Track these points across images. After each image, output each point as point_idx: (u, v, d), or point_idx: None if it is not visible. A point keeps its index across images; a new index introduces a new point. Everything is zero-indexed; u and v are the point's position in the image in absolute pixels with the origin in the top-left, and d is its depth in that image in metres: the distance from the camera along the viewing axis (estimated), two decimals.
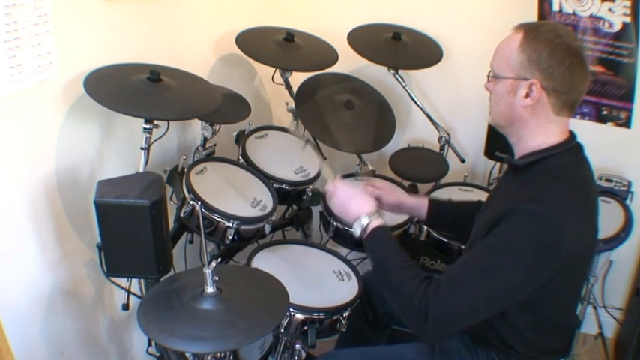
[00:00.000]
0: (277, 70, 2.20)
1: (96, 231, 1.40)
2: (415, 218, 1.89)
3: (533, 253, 1.18)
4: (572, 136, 1.32)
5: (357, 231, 1.40)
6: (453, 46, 2.33)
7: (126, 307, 1.66)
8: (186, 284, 1.29)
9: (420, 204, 1.69)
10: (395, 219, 1.91)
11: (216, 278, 1.23)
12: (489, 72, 1.35)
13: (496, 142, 2.18)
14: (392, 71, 2.20)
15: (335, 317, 1.58)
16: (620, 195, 2.08)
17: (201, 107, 1.63)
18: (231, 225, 1.65)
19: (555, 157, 1.27)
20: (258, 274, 1.42)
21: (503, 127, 1.37)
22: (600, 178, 2.13)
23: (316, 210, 2.08)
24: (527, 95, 1.26)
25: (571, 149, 1.30)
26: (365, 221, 1.38)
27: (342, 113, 2.11)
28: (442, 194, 2.08)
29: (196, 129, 2.12)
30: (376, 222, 1.38)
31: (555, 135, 1.29)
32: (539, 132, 1.29)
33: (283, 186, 1.93)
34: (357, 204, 1.42)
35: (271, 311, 1.25)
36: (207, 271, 1.21)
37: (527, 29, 1.27)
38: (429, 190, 2.12)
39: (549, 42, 1.23)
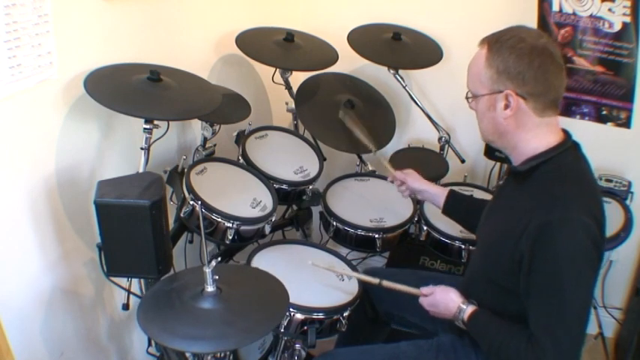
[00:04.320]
0: (277, 70, 2.20)
1: (96, 231, 1.40)
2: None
3: (586, 257, 1.20)
4: (567, 135, 1.33)
5: (461, 326, 1.42)
6: (453, 46, 2.33)
7: (126, 307, 1.66)
8: (186, 283, 1.28)
9: (439, 194, 1.76)
10: (395, 219, 1.92)
11: (216, 277, 1.22)
12: (467, 93, 1.35)
13: None
14: (392, 71, 2.20)
15: (335, 317, 1.58)
16: (620, 195, 2.09)
17: (201, 107, 1.63)
18: (231, 225, 1.65)
19: (556, 158, 1.28)
20: (258, 274, 1.42)
21: (494, 141, 1.38)
22: (600, 178, 2.13)
23: (316, 210, 2.08)
24: (506, 107, 1.26)
25: (569, 148, 1.30)
26: (460, 320, 1.40)
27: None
28: None
29: (196, 129, 2.12)
30: (467, 311, 1.39)
31: (548, 136, 1.29)
32: (530, 137, 1.29)
33: (283, 186, 1.93)
34: (443, 308, 1.44)
35: (271, 311, 1.25)
36: (207, 270, 1.21)
37: (489, 42, 1.27)
38: None
39: (513, 48, 1.23)
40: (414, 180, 1.80)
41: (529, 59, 1.22)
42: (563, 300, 1.21)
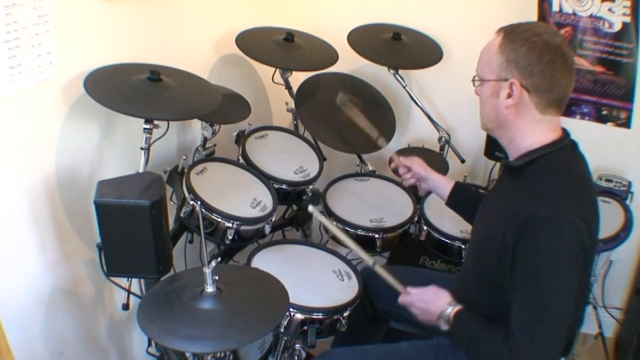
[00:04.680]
0: (277, 70, 2.20)
1: (96, 231, 1.40)
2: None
3: (570, 257, 1.19)
4: (565, 133, 1.33)
5: (444, 327, 1.42)
6: (453, 46, 2.33)
7: (126, 307, 1.66)
8: (186, 284, 1.28)
9: (444, 184, 1.74)
10: (395, 219, 1.92)
11: (216, 278, 1.23)
12: (474, 76, 1.36)
13: (496, 142, 2.13)
14: (392, 71, 2.20)
15: (335, 317, 1.58)
16: (620, 195, 2.08)
17: (201, 107, 1.63)
18: (231, 225, 1.65)
19: (551, 154, 1.28)
20: (258, 274, 1.42)
21: (492, 130, 1.38)
22: (600, 178, 2.13)
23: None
24: (509, 96, 1.27)
25: (566, 146, 1.30)
26: (445, 318, 1.40)
27: (342, 113, 2.11)
28: None
29: (196, 129, 2.12)
30: (453, 310, 1.39)
31: (546, 133, 1.29)
32: (528, 132, 1.30)
33: (283, 186, 1.93)
34: (433, 305, 1.43)
35: (271, 311, 1.25)
36: (207, 270, 1.21)
37: (506, 31, 1.28)
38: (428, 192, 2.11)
39: (526, 40, 1.24)
40: (420, 167, 1.78)
41: (540, 53, 1.23)
42: (542, 299, 1.20)
